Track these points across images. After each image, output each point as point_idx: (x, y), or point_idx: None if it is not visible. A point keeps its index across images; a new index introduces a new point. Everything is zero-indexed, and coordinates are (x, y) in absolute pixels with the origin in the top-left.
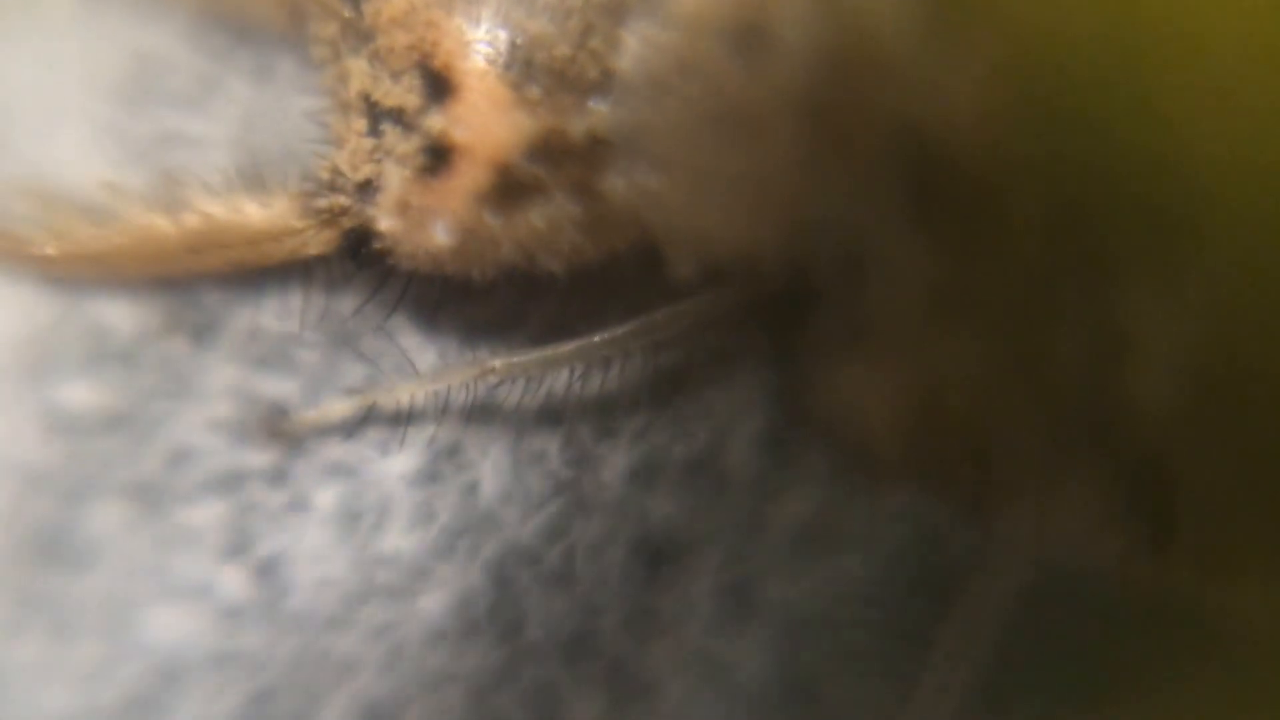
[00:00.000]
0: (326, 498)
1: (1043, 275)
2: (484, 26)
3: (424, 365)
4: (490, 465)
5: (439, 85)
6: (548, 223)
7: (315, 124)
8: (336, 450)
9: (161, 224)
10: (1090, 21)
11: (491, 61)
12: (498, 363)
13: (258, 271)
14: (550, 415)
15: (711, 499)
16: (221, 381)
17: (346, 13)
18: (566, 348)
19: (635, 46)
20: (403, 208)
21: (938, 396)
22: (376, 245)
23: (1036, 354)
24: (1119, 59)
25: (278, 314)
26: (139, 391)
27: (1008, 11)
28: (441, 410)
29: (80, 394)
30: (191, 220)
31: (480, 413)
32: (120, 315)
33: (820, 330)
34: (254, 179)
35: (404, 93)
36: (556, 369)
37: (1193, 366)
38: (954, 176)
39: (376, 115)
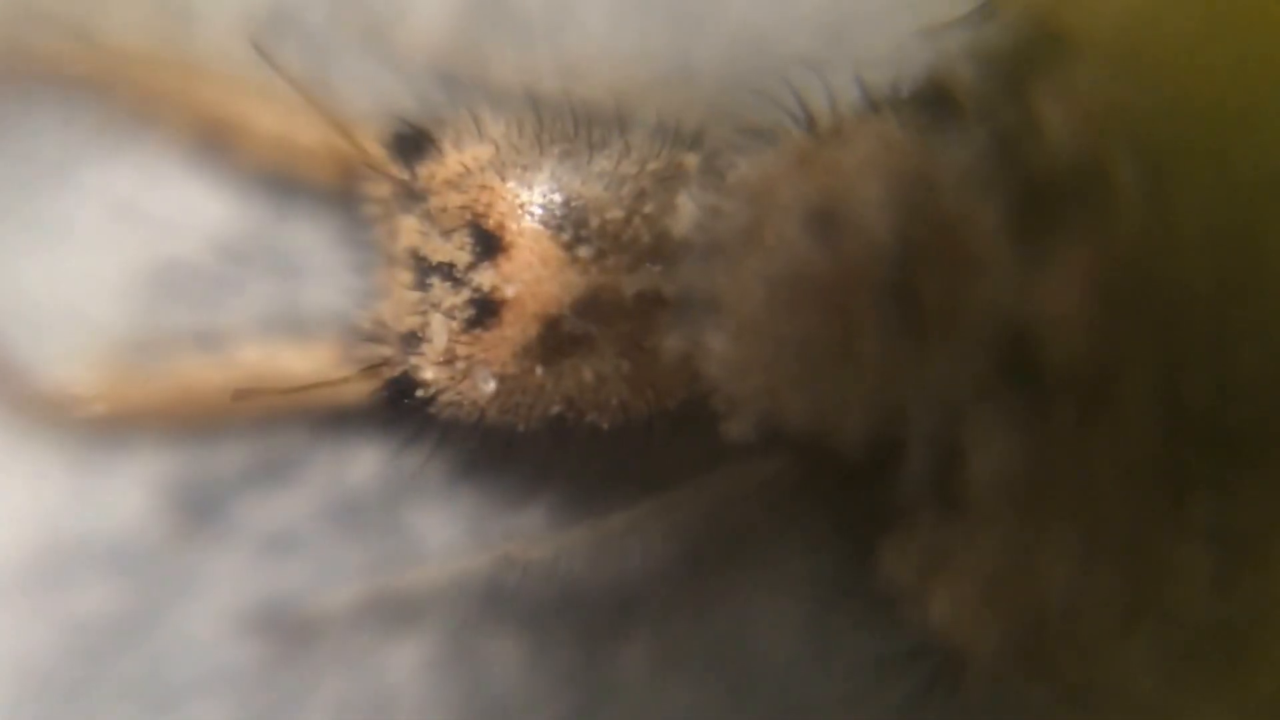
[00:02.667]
0: (330, 690)
1: (1158, 477)
2: (538, 190)
3: (438, 544)
4: (502, 655)
5: (490, 243)
6: (596, 377)
7: (359, 277)
8: (342, 638)
9: (205, 373)
10: (1199, 231)
11: (544, 223)
12: (515, 546)
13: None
14: (567, 599)
15: (738, 691)
16: (226, 570)
17: (401, 174)
18: (587, 529)
19: (695, 214)
20: (449, 358)
21: (1042, 617)
22: (420, 394)
23: (1148, 561)
24: (1228, 271)
25: (289, 492)
26: (142, 585)
27: (1101, 218)
28: (454, 596)
29: (83, 590)
30: (234, 369)
31: (494, 598)
32: (128, 499)
33: (899, 520)
34: (296, 329)
35: (454, 250)
36: (576, 552)
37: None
38: (1066, 380)
39: (425, 270)
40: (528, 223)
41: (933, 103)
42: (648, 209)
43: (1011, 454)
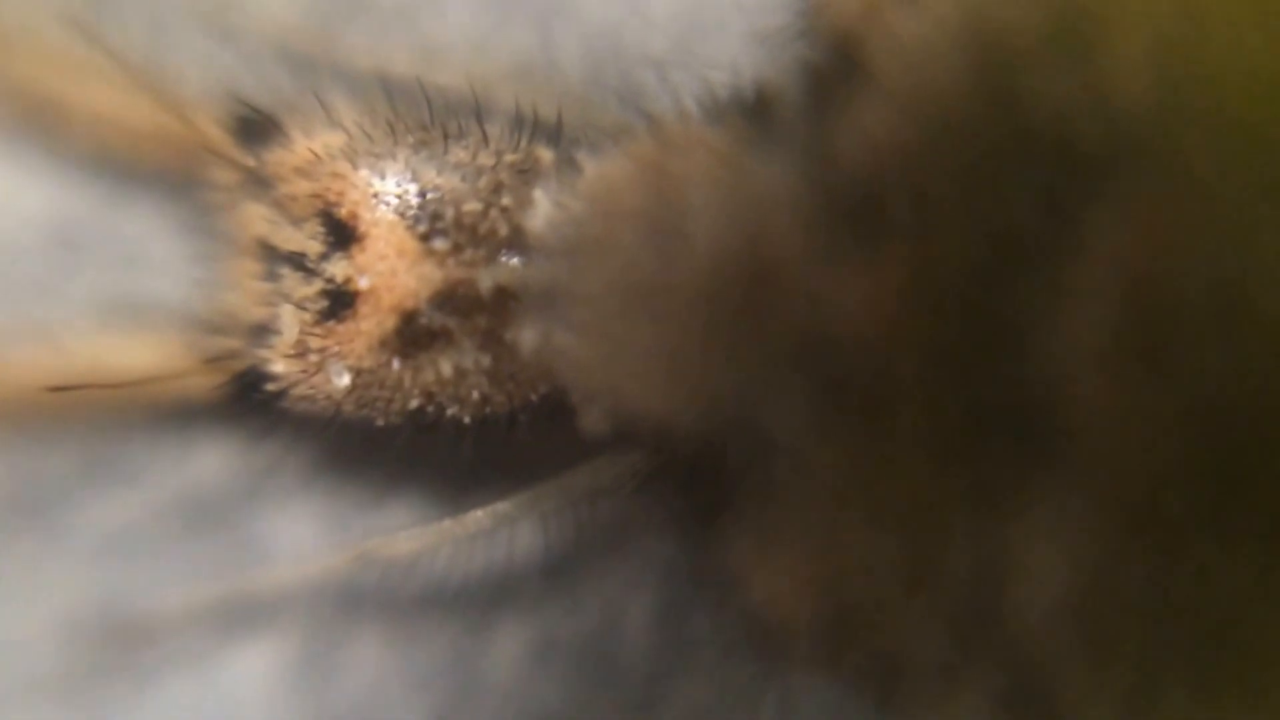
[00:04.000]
0: (168, 698)
1: (935, 492)
2: (392, 180)
3: (291, 544)
4: (360, 657)
5: (343, 234)
6: (455, 370)
7: (203, 267)
8: (184, 643)
9: (32, 367)
10: (960, 264)
11: (399, 213)
12: (374, 544)
13: (123, 425)
14: (430, 597)
15: (604, 682)
16: (59, 572)
17: (246, 160)
18: (450, 525)
19: (547, 209)
20: (300, 350)
21: (849, 593)
22: (270, 387)
23: (930, 564)
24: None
25: (129, 491)
26: None
27: (907, 235)
28: (307, 598)
29: None
30: (65, 362)
31: (351, 599)
32: None
33: (729, 508)
34: (136, 321)
35: (305, 239)
36: (438, 549)
37: (1072, 598)
38: (855, 385)
39: (274, 260)
40: (383, 213)
41: (758, 115)
42: (505, 202)
43: (814, 443)
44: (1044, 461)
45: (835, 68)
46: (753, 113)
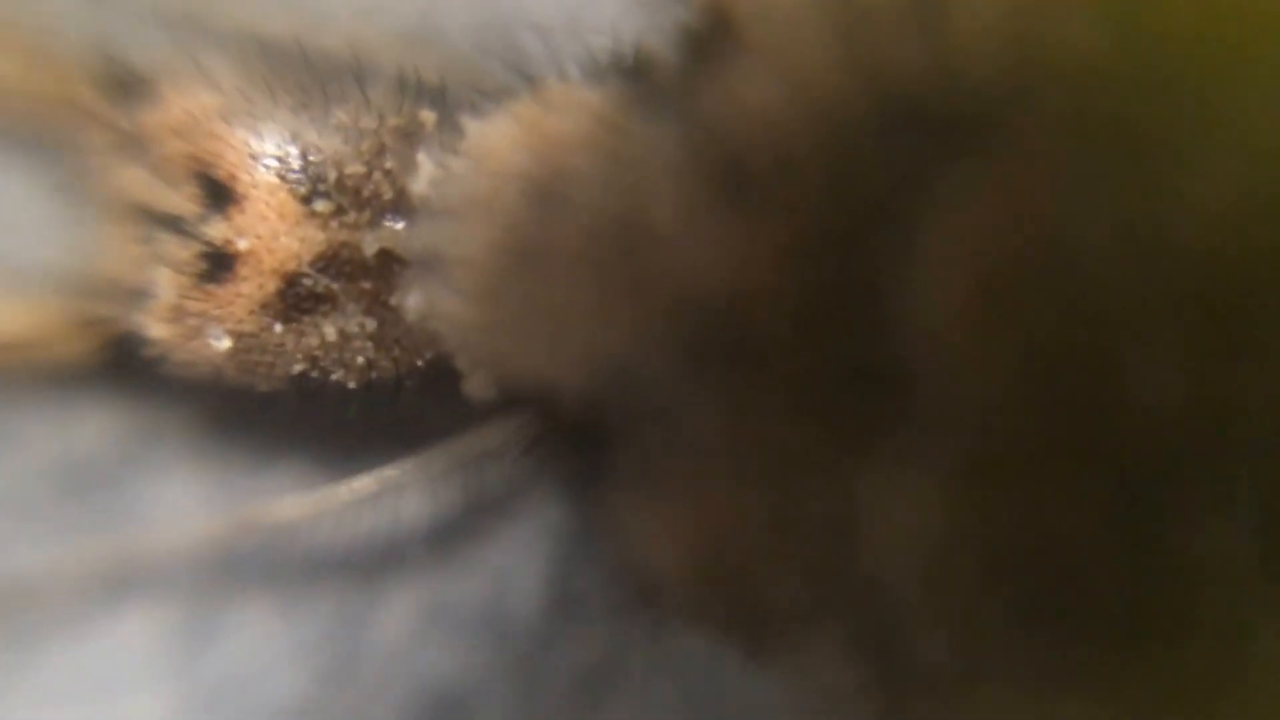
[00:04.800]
0: (49, 665)
1: (798, 445)
2: (271, 141)
3: (173, 508)
4: (242, 623)
5: (221, 195)
6: (339, 335)
7: (76, 230)
8: (63, 609)
9: None
10: (825, 225)
11: (279, 175)
12: (256, 510)
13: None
14: (318, 560)
15: (494, 645)
16: None
17: (122, 122)
18: (338, 489)
19: (432, 172)
20: (177, 314)
21: (718, 545)
22: (148, 352)
23: (792, 516)
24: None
25: (9, 456)
26: None
27: (774, 197)
28: (189, 563)
29: None
30: None
31: (235, 564)
32: None
33: (611, 470)
34: (11, 285)
35: (182, 201)
36: (324, 515)
37: (921, 544)
38: (724, 343)
39: (150, 222)
40: (262, 175)
41: (637, 78)
42: (388, 165)
43: (686, 401)
44: (900, 415)
45: (709, 32)
46: (632, 75)
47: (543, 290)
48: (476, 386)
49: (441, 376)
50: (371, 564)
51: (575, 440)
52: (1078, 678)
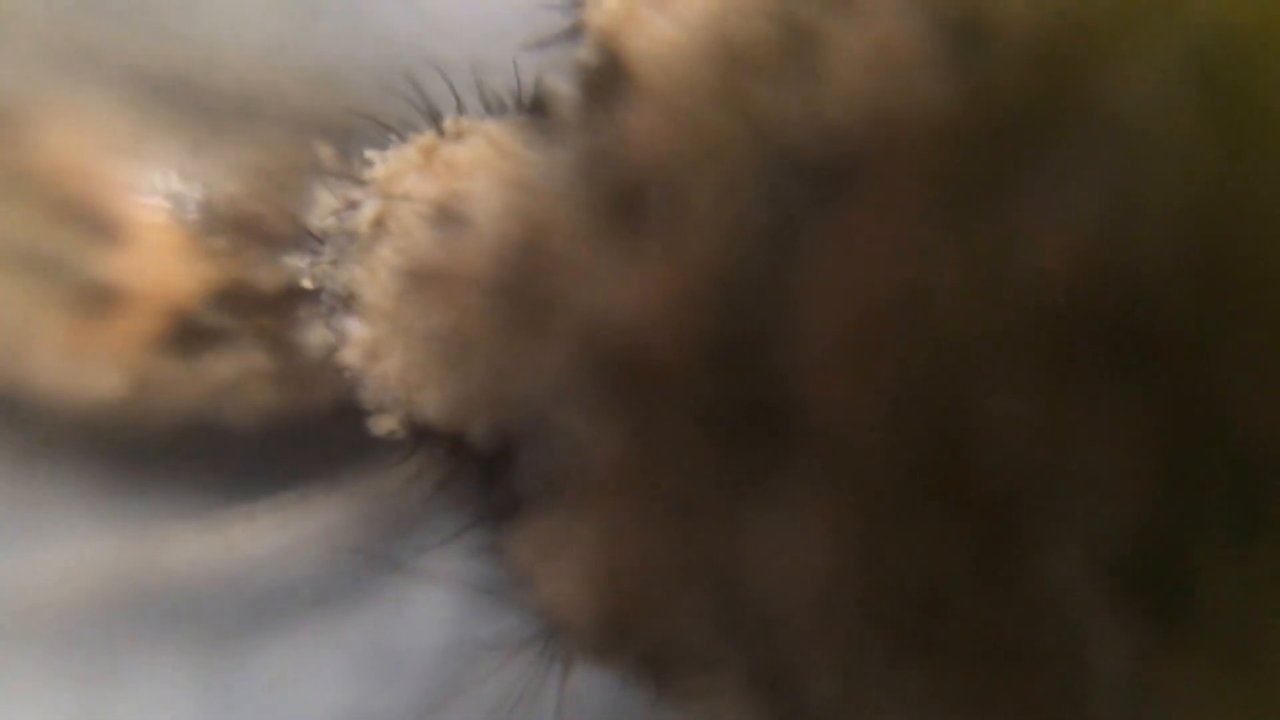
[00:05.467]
0: None
1: (699, 485)
2: (162, 178)
3: (70, 547)
4: (145, 660)
5: (106, 232)
6: (236, 373)
7: None
8: None
9: None
10: (722, 256)
11: (171, 212)
12: (156, 550)
13: None
14: (214, 594)
15: (391, 681)
16: None
17: (5, 158)
18: (236, 529)
19: (330, 205)
20: (67, 354)
21: (625, 586)
22: (36, 393)
23: (694, 556)
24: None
25: None
26: None
27: (666, 231)
28: (91, 605)
29: None
30: None
31: (132, 598)
32: None
33: (520, 510)
34: None
35: (69, 239)
36: (222, 549)
37: (812, 583)
38: (625, 379)
39: (36, 262)
40: (152, 212)
41: (537, 111)
42: (283, 200)
43: (591, 438)
44: (787, 452)
45: (604, 70)
46: (531, 110)
47: (447, 319)
48: (383, 423)
49: (346, 414)
50: (267, 600)
51: (484, 478)
52: (948, 709)
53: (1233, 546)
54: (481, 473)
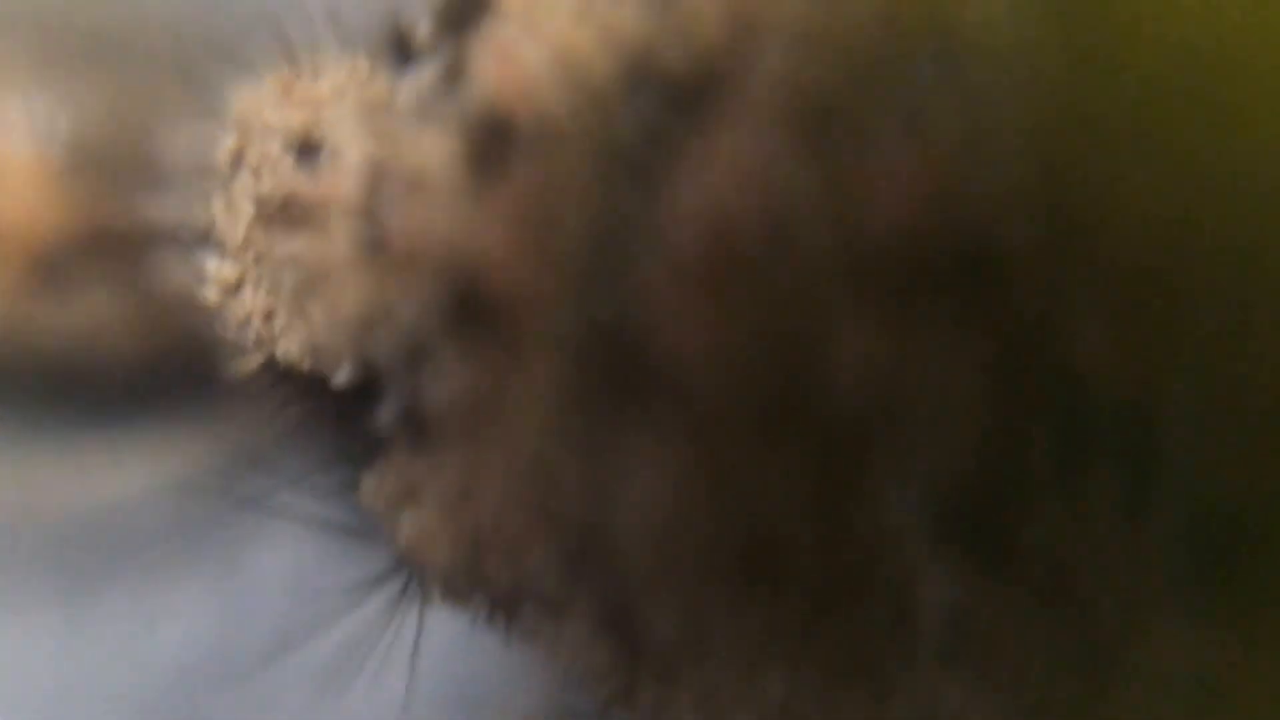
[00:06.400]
0: None
1: (557, 425)
2: (21, 117)
3: None
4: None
5: None
6: (98, 314)
7: None
8: None
9: None
10: (590, 180)
11: (29, 149)
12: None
13: None
14: (62, 542)
15: (237, 629)
16: None
17: None
18: (89, 471)
19: (189, 141)
20: None
21: (485, 526)
22: None
23: (552, 491)
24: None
25: None
26: None
27: (532, 159)
28: None
29: None
30: None
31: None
32: None
33: (380, 452)
34: None
35: None
36: (72, 493)
37: (659, 523)
38: (490, 314)
39: None
40: (12, 151)
41: (396, 44)
42: (143, 138)
43: (463, 386)
44: (641, 381)
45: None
46: (391, 44)
47: (307, 252)
48: (244, 362)
49: (207, 353)
50: (130, 540)
51: (345, 417)
52: (783, 647)
53: (1058, 485)
54: (342, 411)
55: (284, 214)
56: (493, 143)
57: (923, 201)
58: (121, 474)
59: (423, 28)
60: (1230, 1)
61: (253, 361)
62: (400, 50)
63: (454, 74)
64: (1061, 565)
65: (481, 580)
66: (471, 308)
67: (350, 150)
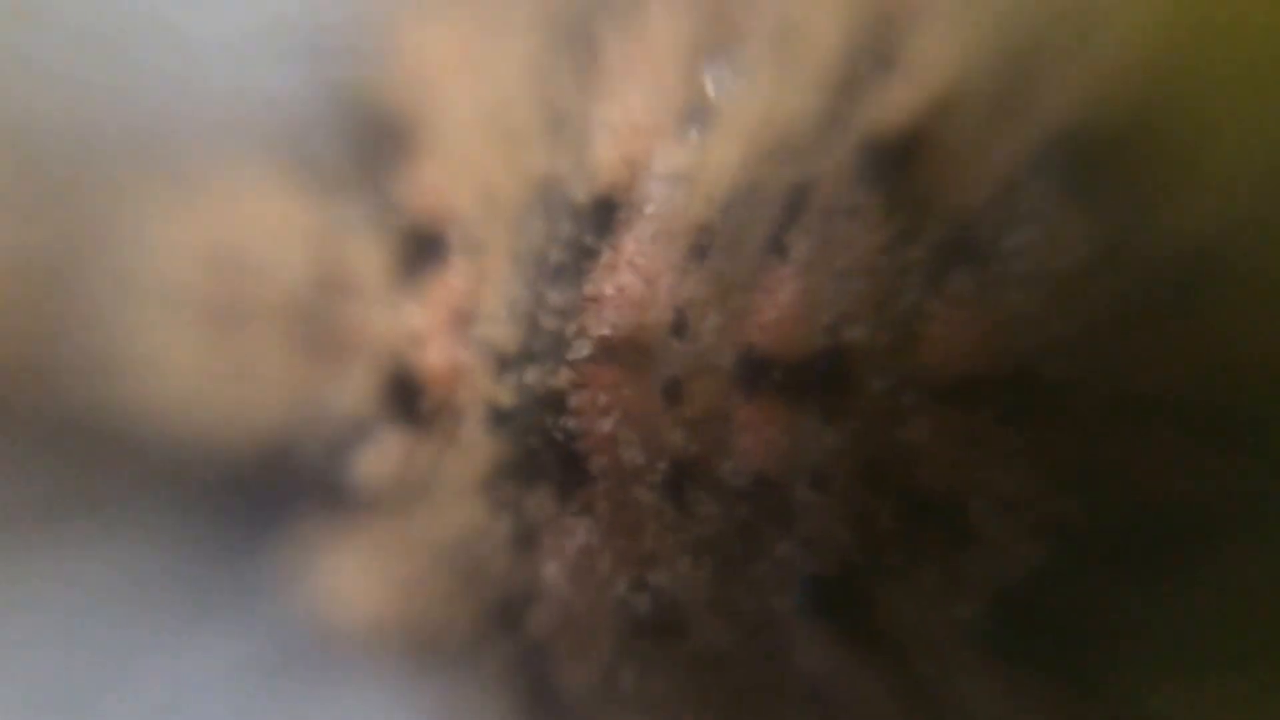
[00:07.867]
0: None
1: (483, 491)
2: None
3: None
4: None
5: None
6: None
7: None
8: None
9: None
10: None
11: None
12: None
13: None
14: None
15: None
16: None
17: None
18: None
19: None
20: None
21: (412, 590)
22: None
23: (469, 536)
24: None
25: None
26: None
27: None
28: None
29: None
30: None
31: None
32: None
33: (300, 512)
34: None
35: None
36: None
37: (578, 597)
38: (418, 402)
39: None
40: None
41: (320, 157)
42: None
43: (386, 461)
44: (566, 464)
45: (390, 127)
46: (317, 154)
47: (238, 345)
48: (154, 425)
49: (142, 440)
50: (71, 621)
51: (259, 483)
52: (674, 708)
53: (904, 572)
54: (276, 482)
55: (220, 324)
56: (422, 255)
57: (794, 316)
58: (62, 559)
59: (348, 146)
60: None
61: (174, 428)
62: (322, 162)
63: (382, 198)
64: (910, 635)
65: (402, 632)
66: (400, 400)
67: (280, 259)
